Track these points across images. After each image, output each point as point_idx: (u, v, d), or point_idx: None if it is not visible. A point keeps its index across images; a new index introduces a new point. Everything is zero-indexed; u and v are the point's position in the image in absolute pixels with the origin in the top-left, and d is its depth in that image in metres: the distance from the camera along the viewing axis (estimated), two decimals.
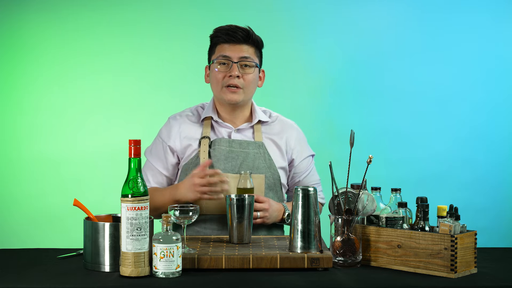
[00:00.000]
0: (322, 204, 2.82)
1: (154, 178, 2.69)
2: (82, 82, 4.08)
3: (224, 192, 2.48)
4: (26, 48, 4.05)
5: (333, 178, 2.25)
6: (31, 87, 4.06)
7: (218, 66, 2.64)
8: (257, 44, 2.68)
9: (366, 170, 2.24)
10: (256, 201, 2.52)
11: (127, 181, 2.06)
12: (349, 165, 2.27)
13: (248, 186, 2.53)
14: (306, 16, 4.13)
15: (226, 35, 2.64)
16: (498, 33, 4.14)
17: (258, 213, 2.52)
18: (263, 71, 2.74)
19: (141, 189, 2.06)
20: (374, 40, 4.13)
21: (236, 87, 2.63)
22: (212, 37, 2.70)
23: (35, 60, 4.06)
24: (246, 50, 2.64)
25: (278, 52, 4.04)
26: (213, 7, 4.08)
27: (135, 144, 2.07)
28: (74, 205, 2.26)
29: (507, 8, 4.13)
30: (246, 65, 2.64)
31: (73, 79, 4.07)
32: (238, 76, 2.62)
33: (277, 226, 2.70)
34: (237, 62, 2.62)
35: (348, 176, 2.27)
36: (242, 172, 2.53)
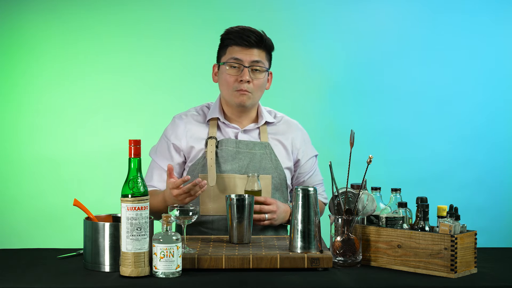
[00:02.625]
0: (325, 204, 2.82)
1: (159, 177, 2.68)
2: (82, 82, 4.08)
3: (203, 188, 2.42)
4: (26, 48, 4.05)
5: (333, 178, 2.25)
6: (31, 87, 4.06)
7: (229, 69, 2.62)
8: (268, 48, 2.67)
9: (366, 170, 2.24)
10: (264, 203, 2.53)
11: (127, 181, 2.06)
12: (349, 165, 2.27)
13: (256, 188, 2.54)
14: (306, 16, 4.13)
15: (239, 38, 2.61)
16: (498, 33, 4.14)
17: (266, 215, 2.53)
18: (271, 73, 2.73)
19: (141, 189, 2.06)
20: (374, 40, 4.13)
21: (246, 91, 2.63)
22: (224, 38, 2.67)
23: (35, 60, 4.06)
24: (258, 55, 2.63)
25: (277, 51, 4.00)
26: (213, 7, 4.08)
27: (135, 144, 2.07)
28: (74, 205, 2.26)
29: (507, 8, 4.13)
30: (256, 70, 2.63)
31: (73, 79, 4.07)
32: (248, 81, 2.61)
33: (284, 227, 2.71)
34: (248, 67, 2.61)
35: (348, 176, 2.27)
36: (250, 175, 2.54)
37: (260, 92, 2.67)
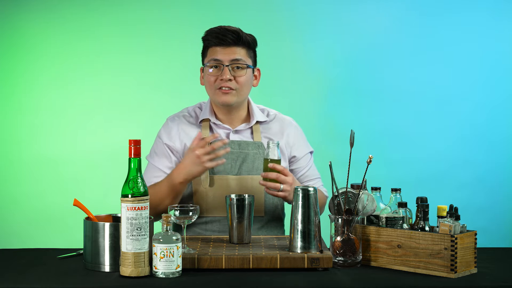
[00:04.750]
0: (327, 197, 2.78)
1: (158, 179, 2.67)
2: (82, 82, 4.08)
3: (226, 155, 2.47)
4: (26, 48, 4.05)
5: (333, 178, 2.25)
6: (31, 87, 4.06)
7: (210, 70, 2.64)
8: (248, 45, 2.66)
9: (366, 170, 2.24)
10: (282, 173, 2.44)
11: (127, 181, 2.06)
12: (349, 165, 2.27)
13: (276, 157, 2.45)
14: (305, 16, 4.13)
15: (216, 39, 2.62)
16: (498, 33, 4.14)
17: (282, 186, 2.44)
18: (258, 69, 2.72)
19: (141, 189, 2.06)
20: (373, 40, 4.13)
21: (229, 88, 2.62)
22: (203, 40, 2.68)
23: (36, 60, 4.06)
24: (238, 52, 2.63)
25: (277, 52, 4.04)
26: (212, 7, 4.08)
27: (135, 144, 2.07)
28: (74, 205, 2.26)
29: (506, 7, 4.13)
30: (238, 67, 2.63)
31: (73, 79, 4.07)
32: (230, 79, 2.61)
33: (283, 227, 2.71)
34: (228, 65, 2.61)
35: (348, 176, 2.27)
36: (270, 142, 2.45)
37: (245, 89, 2.66)
